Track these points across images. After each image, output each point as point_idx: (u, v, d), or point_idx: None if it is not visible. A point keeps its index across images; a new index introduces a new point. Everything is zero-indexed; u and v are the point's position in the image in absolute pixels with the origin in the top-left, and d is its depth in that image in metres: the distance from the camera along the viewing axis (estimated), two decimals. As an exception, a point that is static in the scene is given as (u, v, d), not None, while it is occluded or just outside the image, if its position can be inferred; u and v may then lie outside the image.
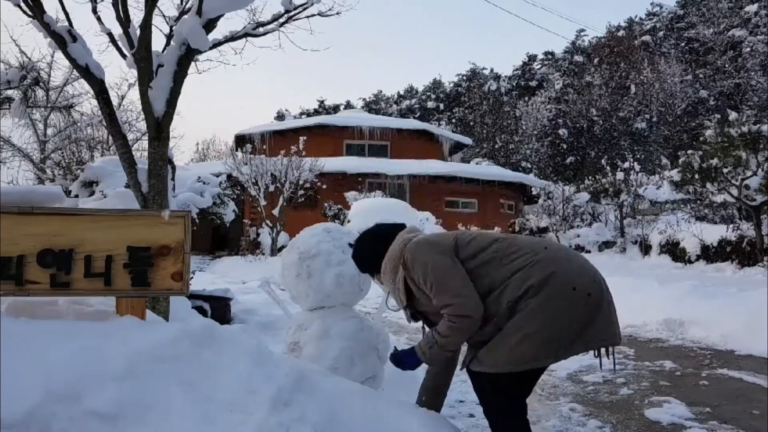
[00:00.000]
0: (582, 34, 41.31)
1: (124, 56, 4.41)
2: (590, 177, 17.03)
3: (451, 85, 47.12)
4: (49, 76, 12.36)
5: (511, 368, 2.02)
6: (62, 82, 13.10)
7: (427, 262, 2.12)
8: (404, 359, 2.29)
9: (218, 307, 5.92)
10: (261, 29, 4.84)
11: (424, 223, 12.23)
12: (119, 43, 4.42)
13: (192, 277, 4.79)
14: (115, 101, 13.06)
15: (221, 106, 73.68)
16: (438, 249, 2.15)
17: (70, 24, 4.08)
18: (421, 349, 2.19)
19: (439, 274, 2.09)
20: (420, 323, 2.36)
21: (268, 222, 16.39)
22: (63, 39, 3.94)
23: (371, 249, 2.37)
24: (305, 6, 4.92)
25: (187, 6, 4.76)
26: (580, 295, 2.01)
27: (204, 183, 9.98)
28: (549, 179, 23.79)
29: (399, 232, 2.33)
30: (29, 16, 4.02)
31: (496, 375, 2.05)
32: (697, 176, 11.15)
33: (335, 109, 44.13)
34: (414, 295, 2.22)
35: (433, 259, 2.12)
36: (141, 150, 13.93)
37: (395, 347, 2.44)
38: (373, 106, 48.42)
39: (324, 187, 17.98)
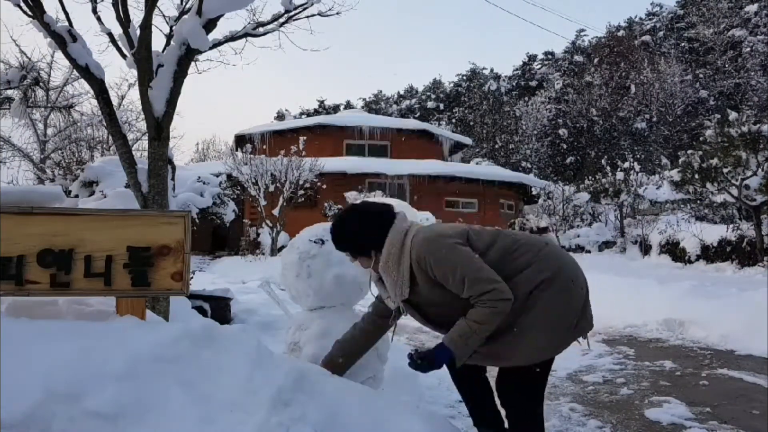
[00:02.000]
0: (582, 34, 41.36)
1: (124, 56, 4.41)
2: (590, 177, 17.04)
3: (451, 85, 47.11)
4: (49, 76, 12.37)
5: (535, 359, 2.14)
6: (62, 82, 13.11)
7: (452, 259, 2.10)
8: (434, 358, 2.11)
9: (218, 307, 5.92)
10: (261, 29, 4.84)
11: (424, 224, 12.21)
12: (119, 43, 4.42)
13: (192, 277, 4.79)
14: (115, 101, 13.08)
15: (221, 106, 73.73)
16: (456, 242, 2.15)
17: (70, 24, 4.07)
18: (454, 343, 2.07)
19: (470, 267, 2.08)
20: (413, 322, 2.36)
21: (268, 222, 16.38)
22: (63, 39, 3.94)
23: (366, 229, 2.27)
24: (305, 6, 4.93)
25: (187, 6, 4.77)
26: (578, 287, 2.20)
27: (204, 183, 9.99)
28: (549, 179, 23.79)
29: (393, 217, 2.29)
30: (29, 16, 4.02)
31: (526, 369, 2.14)
32: (697, 176, 11.15)
33: (335, 109, 44.11)
34: (415, 287, 2.19)
35: (458, 254, 2.11)
36: (141, 150, 13.95)
37: (413, 351, 2.21)
38: (373, 106, 48.40)
39: (324, 187, 17.97)
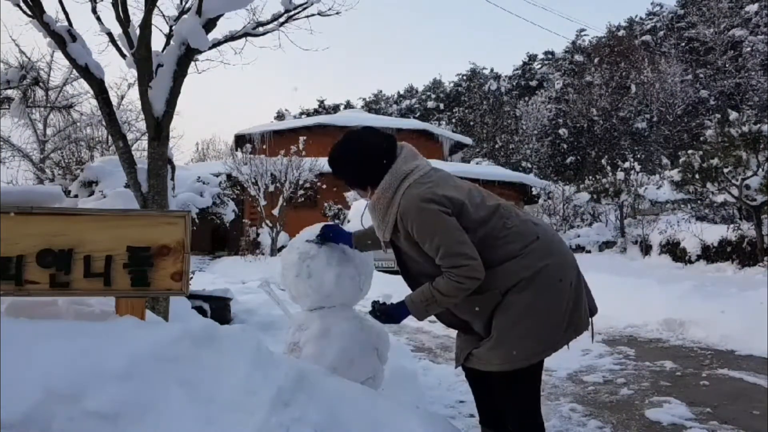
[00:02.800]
0: (582, 33, 41.32)
1: (123, 56, 4.41)
2: (590, 177, 17.03)
3: (451, 85, 47.11)
4: (49, 75, 12.38)
5: (522, 364, 2.05)
6: (62, 82, 13.08)
7: (433, 228, 2.03)
8: (392, 313, 2.22)
9: (218, 307, 5.92)
10: (261, 29, 4.84)
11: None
12: (119, 43, 4.42)
13: (192, 277, 4.79)
14: (114, 101, 13.08)
15: (221, 106, 73.75)
16: (443, 207, 2.04)
17: (70, 24, 4.07)
18: (414, 305, 2.13)
19: (449, 239, 2.02)
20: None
21: (268, 222, 16.38)
22: (62, 39, 3.94)
23: (363, 164, 2.20)
24: (305, 6, 4.92)
25: (187, 6, 4.77)
26: (565, 286, 2.09)
27: (204, 183, 9.99)
28: (549, 179, 23.81)
29: (395, 155, 2.20)
30: (29, 16, 4.02)
31: (511, 372, 2.08)
32: (697, 176, 11.14)
33: (335, 109, 44.12)
34: (397, 233, 2.16)
35: (440, 223, 2.02)
36: (141, 150, 13.92)
37: (376, 300, 2.33)
38: (373, 106, 48.40)
39: (324, 187, 17.98)
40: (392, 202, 2.13)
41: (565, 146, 31.37)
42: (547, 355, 2.11)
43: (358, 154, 2.23)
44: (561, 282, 2.08)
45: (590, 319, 2.21)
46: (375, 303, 2.29)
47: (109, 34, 4.52)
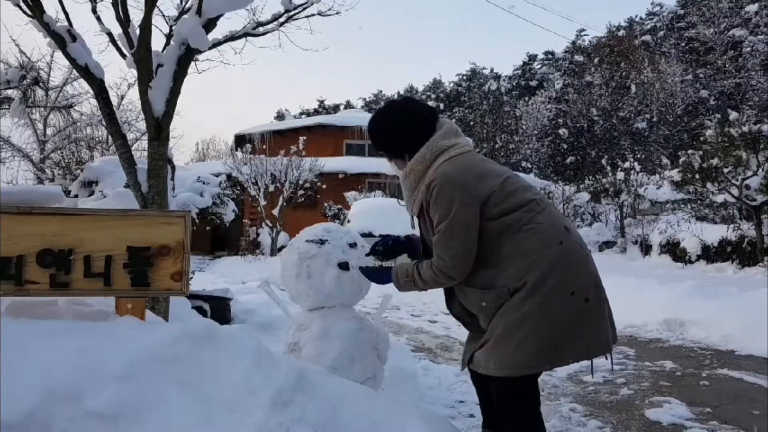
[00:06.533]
0: (582, 33, 41.35)
1: (123, 56, 4.41)
2: (590, 177, 17.04)
3: (451, 85, 47.14)
4: (49, 75, 12.39)
5: (510, 373, 1.98)
6: (62, 82, 13.09)
7: (449, 208, 1.99)
8: (378, 277, 2.37)
9: (218, 307, 5.91)
10: (261, 29, 4.84)
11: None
12: (119, 43, 4.42)
13: (192, 277, 4.79)
14: (114, 101, 13.09)
15: (221, 106, 73.79)
16: (468, 197, 1.98)
17: (70, 24, 4.07)
18: (397, 276, 2.21)
19: (454, 228, 1.99)
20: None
21: (267, 222, 16.39)
22: (62, 39, 3.94)
23: (399, 133, 2.18)
24: (305, 6, 4.92)
25: (187, 6, 4.76)
26: (578, 300, 1.95)
27: (204, 183, 9.97)
28: (549, 179, 23.81)
29: (433, 129, 2.15)
30: (29, 15, 4.02)
31: (507, 379, 2.02)
32: (697, 176, 11.15)
33: (335, 109, 44.13)
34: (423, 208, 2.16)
35: (457, 209, 1.98)
36: (141, 150, 13.93)
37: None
38: (373, 106, 48.39)
39: (324, 187, 17.98)
40: (425, 176, 2.11)
41: (565, 146, 31.35)
42: (546, 369, 2.02)
43: (396, 120, 2.22)
44: (573, 295, 1.94)
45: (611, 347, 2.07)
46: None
47: (109, 34, 4.52)
